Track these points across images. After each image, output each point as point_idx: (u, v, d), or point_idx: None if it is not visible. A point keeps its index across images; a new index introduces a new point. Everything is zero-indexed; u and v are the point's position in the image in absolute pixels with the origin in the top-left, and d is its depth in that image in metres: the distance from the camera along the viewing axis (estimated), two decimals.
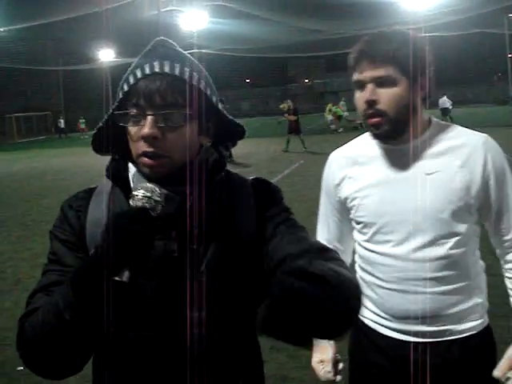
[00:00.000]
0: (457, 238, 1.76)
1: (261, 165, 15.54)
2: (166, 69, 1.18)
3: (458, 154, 1.74)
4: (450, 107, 28.97)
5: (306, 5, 35.09)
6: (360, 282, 1.93)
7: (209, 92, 1.24)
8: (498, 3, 30.11)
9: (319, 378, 2.01)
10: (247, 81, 72.15)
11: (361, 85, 1.73)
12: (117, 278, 0.99)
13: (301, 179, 13.06)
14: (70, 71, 50.10)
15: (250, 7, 34.08)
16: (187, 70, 1.20)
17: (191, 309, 1.18)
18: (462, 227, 1.76)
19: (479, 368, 1.81)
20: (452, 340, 1.80)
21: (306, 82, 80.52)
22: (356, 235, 1.94)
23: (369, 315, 1.92)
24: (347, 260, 2.05)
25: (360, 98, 1.74)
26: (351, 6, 34.54)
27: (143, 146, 1.17)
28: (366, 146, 1.87)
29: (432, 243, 1.75)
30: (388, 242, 1.81)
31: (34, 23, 34.39)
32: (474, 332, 1.82)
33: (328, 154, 2.02)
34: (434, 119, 1.84)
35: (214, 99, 1.26)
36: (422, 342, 1.80)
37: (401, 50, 1.67)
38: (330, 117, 30.64)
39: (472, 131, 1.82)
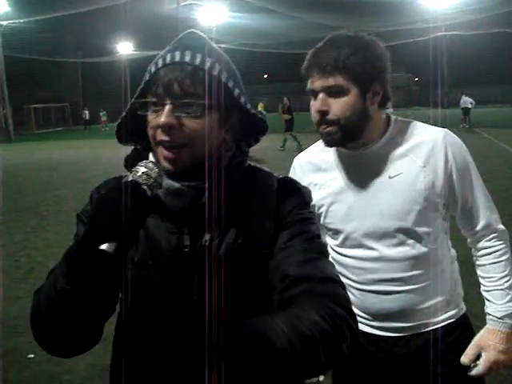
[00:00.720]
0: (426, 236, 1.77)
1: (276, 161, 15.50)
2: (187, 58, 1.17)
3: (418, 153, 1.74)
4: (471, 107, 28.61)
5: (325, 1, 34.93)
6: None
7: (231, 84, 1.21)
8: None
9: None
10: (265, 76, 71.98)
11: (313, 94, 1.72)
12: (102, 247, 0.98)
13: None
14: (88, 63, 50.42)
15: (269, 2, 34.03)
16: (209, 60, 1.18)
17: (199, 307, 1.14)
18: (430, 226, 1.77)
19: (458, 355, 1.82)
20: (431, 330, 1.82)
21: None
22: (328, 240, 1.95)
23: None
24: None
25: (312, 106, 1.73)
26: (371, 4, 34.37)
27: (160, 135, 1.17)
28: (328, 151, 1.86)
29: (401, 244, 1.77)
30: (359, 246, 1.82)
31: (53, 15, 34.65)
32: (452, 320, 1.85)
33: None
34: (393, 118, 1.83)
35: (237, 92, 1.23)
36: (402, 336, 1.84)
37: (351, 58, 1.63)
38: None
39: (431, 126, 1.81)
